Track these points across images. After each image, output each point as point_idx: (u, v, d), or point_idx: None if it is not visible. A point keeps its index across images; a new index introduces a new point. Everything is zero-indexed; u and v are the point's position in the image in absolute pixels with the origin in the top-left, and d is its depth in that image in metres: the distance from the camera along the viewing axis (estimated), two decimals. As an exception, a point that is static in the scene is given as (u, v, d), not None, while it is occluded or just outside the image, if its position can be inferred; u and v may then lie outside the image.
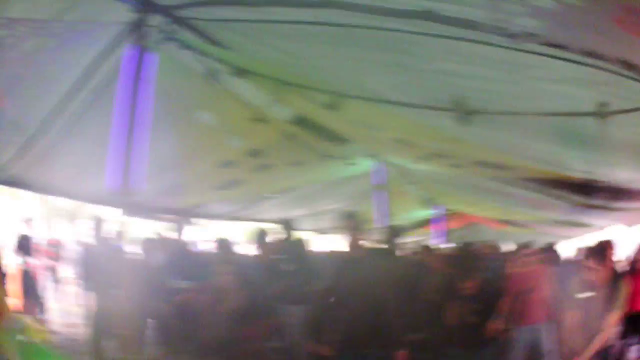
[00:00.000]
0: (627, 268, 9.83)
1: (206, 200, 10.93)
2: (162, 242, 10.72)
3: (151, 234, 11.40)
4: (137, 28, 5.48)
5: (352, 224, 7.15)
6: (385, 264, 7.67)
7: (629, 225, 14.46)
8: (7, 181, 7.98)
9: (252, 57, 6.14)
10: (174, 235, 11.18)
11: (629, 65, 4.05)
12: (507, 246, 17.36)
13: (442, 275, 9.61)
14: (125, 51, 5.67)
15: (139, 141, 5.59)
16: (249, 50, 6.09)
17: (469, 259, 9.87)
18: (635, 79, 4.20)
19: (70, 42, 5.46)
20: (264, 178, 9.83)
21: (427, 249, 12.85)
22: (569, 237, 20.00)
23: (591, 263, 7.39)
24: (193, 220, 12.22)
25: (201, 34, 6.00)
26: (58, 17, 5.30)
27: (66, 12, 5.26)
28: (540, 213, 14.68)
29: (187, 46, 5.86)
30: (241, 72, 6.20)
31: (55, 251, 15.22)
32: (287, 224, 9.54)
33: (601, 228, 15.95)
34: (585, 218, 13.84)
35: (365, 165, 11.52)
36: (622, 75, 4.18)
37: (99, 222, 9.18)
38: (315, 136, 8.78)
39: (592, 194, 9.92)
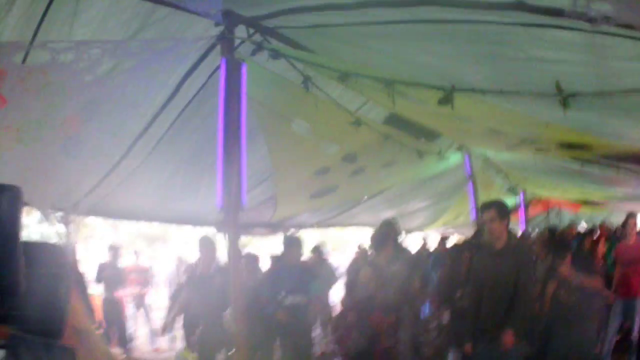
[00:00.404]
0: None
1: (301, 210, 10.98)
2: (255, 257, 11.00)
3: (249, 251, 11.67)
4: (223, 42, 5.58)
5: (493, 214, 7.21)
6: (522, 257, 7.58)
7: None
8: (90, 210, 8.05)
9: (350, 60, 6.12)
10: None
11: None
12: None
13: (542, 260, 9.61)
14: (214, 66, 5.84)
15: (239, 156, 5.64)
16: (343, 54, 6.14)
17: (562, 241, 9.83)
18: None
19: (150, 61, 5.47)
20: (359, 182, 9.82)
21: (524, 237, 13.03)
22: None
23: None
24: (288, 231, 12.08)
25: (291, 41, 6.08)
26: (133, 36, 5.47)
27: (141, 31, 5.47)
28: (615, 190, 14.59)
29: (278, 55, 5.91)
30: (343, 76, 6.12)
31: (142, 277, 15.33)
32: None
33: None
34: None
35: (455, 158, 11.65)
36: None
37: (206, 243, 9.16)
38: (407, 134, 9.00)
39: None
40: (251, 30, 5.94)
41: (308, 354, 9.47)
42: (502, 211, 7.32)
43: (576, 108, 5.71)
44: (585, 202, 19.73)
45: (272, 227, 11.36)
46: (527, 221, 18.44)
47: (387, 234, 8.75)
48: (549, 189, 17.70)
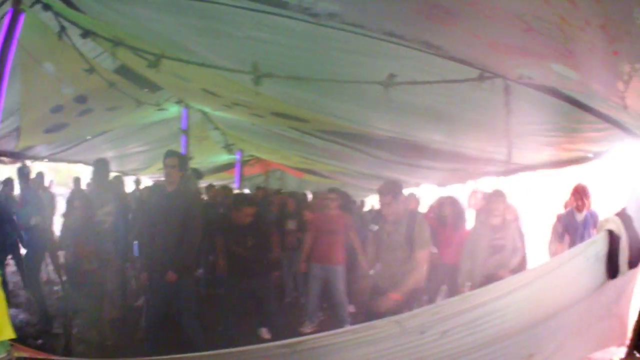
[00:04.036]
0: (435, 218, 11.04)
1: (37, 142, 11.46)
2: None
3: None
4: None
5: (174, 161, 8.47)
6: (191, 200, 8.87)
7: (440, 184, 16.08)
8: None
9: (95, 18, 6.87)
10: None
11: (428, 45, 4.79)
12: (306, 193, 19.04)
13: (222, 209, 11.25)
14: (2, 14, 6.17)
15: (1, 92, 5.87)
16: (98, 13, 6.77)
17: (243, 197, 11.25)
18: (435, 54, 4.98)
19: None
20: (86, 121, 10.51)
21: (218, 189, 14.79)
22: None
23: (385, 199, 7.97)
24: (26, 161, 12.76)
25: None
26: None
27: None
28: (343, 165, 15.73)
29: (48, 8, 6.43)
30: (85, 32, 6.95)
31: None
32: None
33: (416, 185, 17.35)
34: (390, 173, 14.79)
35: (173, 110, 12.78)
36: (423, 51, 4.94)
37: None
38: (132, 84, 9.67)
39: (394, 150, 11.33)
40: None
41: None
42: (182, 161, 8.91)
43: (282, 83, 6.76)
44: (309, 171, 21.09)
45: (13, 156, 11.80)
46: (242, 179, 19.62)
47: (100, 172, 10.11)
48: (268, 153, 18.63)
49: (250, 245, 9.60)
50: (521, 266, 9.06)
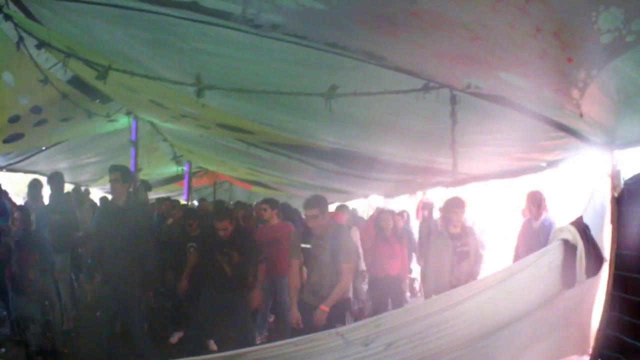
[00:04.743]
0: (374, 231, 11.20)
1: None
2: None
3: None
4: None
5: (117, 176, 8.59)
6: (140, 214, 9.02)
7: (388, 195, 16.15)
8: None
9: (52, 30, 6.70)
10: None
11: (372, 55, 4.72)
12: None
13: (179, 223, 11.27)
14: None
15: None
16: (53, 24, 6.72)
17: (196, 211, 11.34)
18: (380, 65, 4.91)
19: None
20: (41, 131, 10.46)
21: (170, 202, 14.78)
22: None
23: (311, 212, 8.28)
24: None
25: (23, 8, 6.67)
26: None
27: None
28: (290, 176, 15.86)
29: (9, 17, 6.34)
30: (40, 43, 6.88)
31: None
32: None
33: (365, 196, 17.78)
34: (337, 184, 15.13)
35: (123, 122, 12.61)
36: (367, 62, 4.86)
37: None
38: (85, 95, 9.70)
39: (340, 162, 11.26)
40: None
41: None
42: (125, 175, 8.97)
43: (224, 95, 6.86)
44: (257, 183, 21.26)
45: None
46: (190, 191, 19.45)
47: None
48: (216, 164, 18.67)
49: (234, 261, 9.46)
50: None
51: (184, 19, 4.75)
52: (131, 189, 9.27)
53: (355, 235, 12.97)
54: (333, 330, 4.62)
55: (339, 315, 8.18)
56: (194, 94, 6.38)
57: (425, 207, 12.33)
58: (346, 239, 8.36)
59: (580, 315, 6.18)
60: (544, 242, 9.29)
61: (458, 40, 3.92)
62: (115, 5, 5.08)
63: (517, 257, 10.44)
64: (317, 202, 8.40)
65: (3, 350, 9.44)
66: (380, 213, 12.55)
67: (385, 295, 11.64)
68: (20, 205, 12.18)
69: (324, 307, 7.96)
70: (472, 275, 9.08)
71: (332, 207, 18.64)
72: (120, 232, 8.59)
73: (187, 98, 7.31)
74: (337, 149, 9.80)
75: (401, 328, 4.70)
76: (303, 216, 9.44)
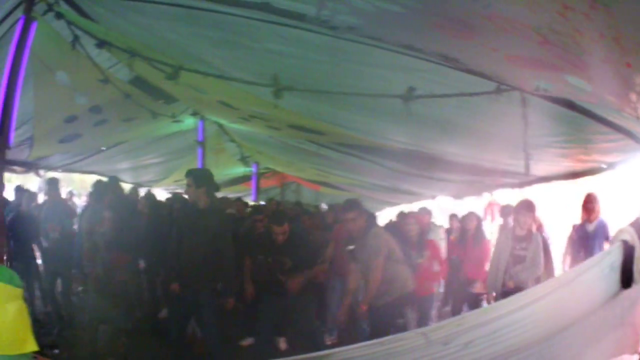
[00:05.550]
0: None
1: (50, 152, 11.41)
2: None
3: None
4: (27, 1, 5.92)
5: (189, 181, 8.54)
6: (222, 218, 8.86)
7: (455, 197, 15.85)
8: None
9: (111, 29, 6.82)
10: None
11: (446, 58, 4.82)
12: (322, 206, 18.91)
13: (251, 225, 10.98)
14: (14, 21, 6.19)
15: (13, 100, 5.87)
16: (112, 23, 6.80)
17: (277, 212, 10.97)
18: (453, 67, 5.00)
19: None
20: (100, 132, 10.51)
21: (242, 203, 14.30)
22: (395, 203, 21.59)
23: (350, 215, 8.57)
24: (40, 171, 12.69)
25: (76, 7, 6.69)
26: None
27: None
28: (359, 177, 15.49)
29: (60, 16, 6.44)
30: (100, 43, 6.97)
31: None
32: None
33: (432, 197, 17.21)
34: (406, 185, 14.80)
35: (189, 122, 12.65)
36: (441, 64, 4.96)
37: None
38: (148, 96, 9.65)
39: (410, 162, 11.09)
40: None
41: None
42: (198, 179, 8.63)
43: (300, 96, 6.77)
44: (324, 184, 20.83)
45: (27, 166, 11.75)
46: (258, 192, 19.42)
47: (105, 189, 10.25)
48: (284, 165, 18.47)
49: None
50: (549, 276, 9.08)
51: (256, 19, 4.85)
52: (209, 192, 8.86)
53: (439, 233, 13.40)
54: (418, 330, 4.65)
55: (395, 312, 8.67)
56: (266, 95, 6.55)
57: (504, 210, 12.02)
58: (375, 236, 8.62)
59: (633, 315, 5.97)
60: (598, 244, 9.47)
61: (528, 44, 3.92)
62: (182, 5, 5.24)
63: (573, 260, 10.39)
64: (354, 206, 8.74)
65: (56, 351, 9.46)
66: (403, 218, 12.28)
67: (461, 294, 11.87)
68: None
69: (363, 306, 8.54)
70: (526, 280, 8.73)
71: (406, 208, 18.38)
72: (201, 235, 8.42)
73: (259, 98, 7.40)
74: (407, 149, 9.71)
75: (479, 327, 4.68)
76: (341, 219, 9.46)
